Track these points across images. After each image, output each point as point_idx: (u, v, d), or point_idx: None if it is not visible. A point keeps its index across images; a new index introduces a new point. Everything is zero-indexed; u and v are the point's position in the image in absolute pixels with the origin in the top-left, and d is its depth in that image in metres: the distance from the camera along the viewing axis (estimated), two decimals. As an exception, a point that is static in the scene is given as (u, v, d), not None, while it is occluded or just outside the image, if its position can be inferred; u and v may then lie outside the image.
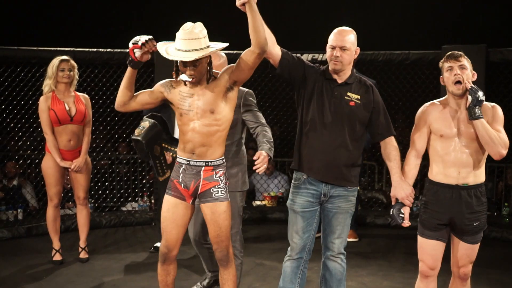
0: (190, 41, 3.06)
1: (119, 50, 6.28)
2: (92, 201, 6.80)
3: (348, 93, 3.29)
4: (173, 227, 3.30)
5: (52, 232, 4.97)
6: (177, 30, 3.15)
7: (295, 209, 3.37)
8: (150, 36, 3.14)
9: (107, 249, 5.52)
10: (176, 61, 3.20)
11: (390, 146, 3.34)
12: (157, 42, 3.17)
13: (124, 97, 3.23)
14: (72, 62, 4.89)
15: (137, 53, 3.14)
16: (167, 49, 3.15)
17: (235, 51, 6.03)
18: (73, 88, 4.90)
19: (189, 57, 3.06)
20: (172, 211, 3.30)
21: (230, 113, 3.26)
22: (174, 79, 3.27)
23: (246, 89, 3.62)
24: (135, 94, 3.26)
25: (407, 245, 5.64)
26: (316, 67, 3.38)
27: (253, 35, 3.02)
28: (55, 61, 4.82)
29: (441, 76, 3.26)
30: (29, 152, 6.82)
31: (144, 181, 7.26)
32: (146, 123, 3.40)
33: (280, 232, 6.16)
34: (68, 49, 5.98)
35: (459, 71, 3.17)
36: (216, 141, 3.23)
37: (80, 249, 5.07)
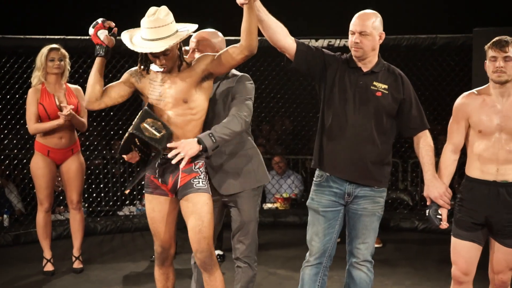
0: (157, 29, 3.08)
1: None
2: (86, 205, 6.81)
3: (375, 83, 3.29)
4: (163, 226, 3.36)
5: (42, 240, 4.97)
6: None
7: (316, 209, 3.37)
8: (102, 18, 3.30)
9: (104, 258, 5.52)
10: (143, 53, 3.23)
11: (423, 141, 3.33)
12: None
13: (96, 93, 3.28)
14: (63, 51, 4.89)
15: (102, 35, 3.23)
16: (132, 39, 3.17)
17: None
18: (64, 80, 4.90)
19: (159, 47, 3.07)
20: (159, 209, 3.34)
21: (205, 102, 3.29)
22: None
23: (240, 73, 3.53)
24: (104, 88, 3.31)
25: (437, 251, 5.62)
26: (338, 55, 3.37)
27: (246, 36, 3.04)
28: (44, 50, 4.82)
29: (485, 61, 3.26)
30: (16, 151, 6.83)
31: (142, 182, 7.24)
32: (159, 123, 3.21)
33: (294, 237, 6.15)
34: (58, 37, 5.97)
35: (502, 63, 3.17)
36: (192, 130, 3.26)
37: (73, 258, 5.07)
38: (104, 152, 7.47)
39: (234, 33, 5.78)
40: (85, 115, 4.93)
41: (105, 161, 7.37)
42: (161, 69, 3.21)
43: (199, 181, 3.27)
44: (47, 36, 5.96)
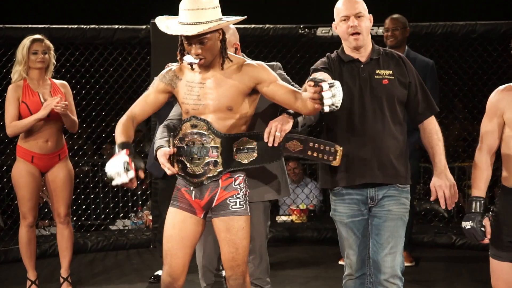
0: (196, 11, 3.03)
1: (105, 26, 6.29)
2: (74, 218, 6.81)
3: (378, 71, 3.38)
4: (179, 248, 3.27)
5: (26, 259, 4.96)
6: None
7: (342, 220, 3.44)
8: (131, 176, 3.27)
9: (95, 280, 5.52)
10: (181, 40, 3.16)
11: (430, 130, 3.42)
12: (157, 17, 3.20)
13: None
14: (47, 42, 4.90)
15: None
16: (168, 24, 3.14)
17: (252, 25, 6.07)
18: (49, 74, 4.91)
19: (192, 30, 3.02)
20: (180, 227, 3.27)
21: (253, 110, 3.27)
22: (177, 67, 3.26)
23: (274, 63, 3.60)
24: (135, 104, 3.31)
25: (478, 270, 5.58)
26: (325, 58, 3.46)
27: (312, 110, 3.06)
28: (26, 41, 4.83)
29: None
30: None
31: (139, 192, 7.26)
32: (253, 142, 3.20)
33: (313, 255, 6.15)
34: (42, 26, 6.00)
35: None
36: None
37: (61, 280, 5.05)
38: (95, 157, 7.47)
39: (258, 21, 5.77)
40: (74, 114, 4.93)
41: (95, 168, 7.37)
42: (196, 61, 3.12)
43: (236, 202, 3.24)
44: (29, 25, 6.00)
